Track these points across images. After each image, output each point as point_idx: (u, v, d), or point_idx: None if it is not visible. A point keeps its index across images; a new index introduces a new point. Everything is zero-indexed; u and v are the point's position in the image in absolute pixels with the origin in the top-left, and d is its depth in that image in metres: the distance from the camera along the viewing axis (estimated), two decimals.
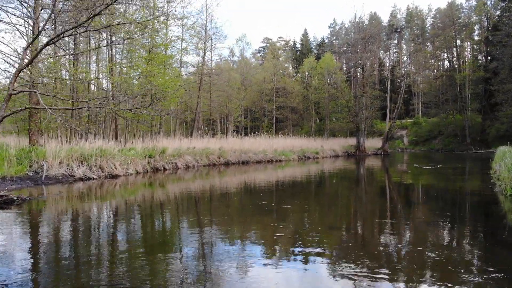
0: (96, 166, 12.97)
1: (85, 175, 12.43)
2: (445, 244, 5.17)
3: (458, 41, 55.87)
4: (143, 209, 7.96)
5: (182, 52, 26.87)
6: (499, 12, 48.63)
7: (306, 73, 52.92)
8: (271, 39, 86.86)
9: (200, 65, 30.77)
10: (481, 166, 20.86)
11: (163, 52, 23.66)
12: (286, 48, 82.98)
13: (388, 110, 40.72)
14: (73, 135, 14.93)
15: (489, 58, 46.00)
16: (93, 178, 12.51)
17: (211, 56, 33.05)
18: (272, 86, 46.05)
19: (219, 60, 41.92)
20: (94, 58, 26.61)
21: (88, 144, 13.40)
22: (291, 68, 75.36)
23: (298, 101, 48.89)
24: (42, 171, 11.85)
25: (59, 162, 12.34)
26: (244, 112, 51.03)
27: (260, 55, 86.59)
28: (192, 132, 27.99)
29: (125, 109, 13.00)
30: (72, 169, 12.42)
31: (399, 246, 5.04)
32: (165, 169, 16.30)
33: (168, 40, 24.56)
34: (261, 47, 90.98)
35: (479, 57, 58.77)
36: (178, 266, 4.24)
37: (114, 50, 22.68)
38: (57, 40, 9.30)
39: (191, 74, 29.89)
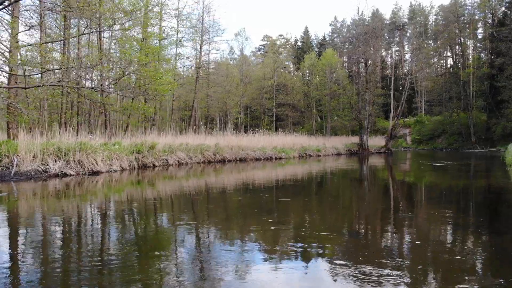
0: (74, 161, 11.63)
1: (62, 171, 11.10)
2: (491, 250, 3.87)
3: (462, 38, 54.54)
4: (117, 209, 6.64)
5: (178, 43, 25.50)
6: (504, 8, 47.35)
7: (307, 70, 51.61)
8: (271, 37, 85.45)
9: (197, 58, 29.41)
10: (493, 163, 19.66)
11: (157, 45, 22.40)
12: (287, 46, 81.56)
13: (391, 107, 39.40)
14: (51, 129, 13.57)
15: (495, 54, 44.65)
16: (70, 175, 11.18)
17: (209, 50, 31.73)
18: (272, 82, 44.69)
19: (218, 58, 40.70)
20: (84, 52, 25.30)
21: (67, 137, 12.03)
22: (291, 66, 74.06)
23: (299, 99, 47.55)
24: (13, 167, 10.54)
25: (33, 157, 11.02)
26: (244, 110, 49.75)
27: (260, 53, 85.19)
28: (185, 128, 26.67)
29: (87, 87, 11.64)
30: (47, 165, 11.09)
31: (430, 252, 3.74)
32: (154, 166, 14.96)
33: (163, 32, 23.25)
34: (261, 45, 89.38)
35: (482, 54, 57.48)
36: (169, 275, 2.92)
37: (105, 42, 21.38)
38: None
39: (187, 67, 28.53)
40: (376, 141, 40.16)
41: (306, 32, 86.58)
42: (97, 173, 11.88)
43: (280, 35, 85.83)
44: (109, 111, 18.50)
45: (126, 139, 15.66)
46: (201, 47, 29.07)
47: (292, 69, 72.33)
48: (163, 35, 22.28)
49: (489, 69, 46.04)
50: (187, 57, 27.90)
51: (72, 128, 13.40)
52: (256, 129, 28.42)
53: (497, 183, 10.98)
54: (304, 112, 50.71)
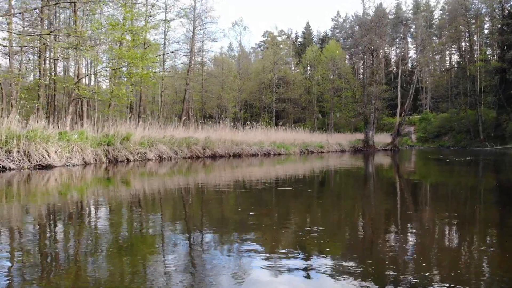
0: (19, 152, 9.22)
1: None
2: None
3: (469, 32, 52.06)
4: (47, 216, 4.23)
5: (167, 27, 23.00)
6: None
7: (309, 64, 49.14)
8: (272, 33, 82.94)
9: (187, 44, 26.90)
10: None
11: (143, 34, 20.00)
12: (288, 42, 79.06)
13: (398, 102, 37.01)
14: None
15: (505, 47, 42.15)
16: (11, 169, 8.78)
17: (203, 39, 29.30)
18: (272, 76, 42.20)
19: (218, 55, 38.17)
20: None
21: (11, 122, 9.55)
22: (292, 63, 71.60)
23: (300, 94, 45.06)
24: None
25: None
26: (243, 106, 47.40)
27: (261, 50, 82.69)
28: (174, 121, 24.17)
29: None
30: None
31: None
32: (128, 161, 12.54)
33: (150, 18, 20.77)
34: (261, 41, 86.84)
35: (489, 49, 55.11)
36: None
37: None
38: None
39: (178, 53, 25.95)
40: (382, 138, 37.86)
41: (307, 27, 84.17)
42: (48, 167, 9.47)
43: (281, 31, 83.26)
44: (82, 98, 16.04)
45: (97, 129, 13.24)
46: (193, 35, 26.59)
47: (292, 65, 69.89)
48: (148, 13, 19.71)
49: (499, 63, 43.58)
50: (176, 41, 25.28)
51: (24, 114, 10.95)
52: (255, 123, 26.05)
53: None
54: (305, 108, 48.21)
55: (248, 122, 26.46)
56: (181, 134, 16.70)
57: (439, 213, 4.76)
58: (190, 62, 25.82)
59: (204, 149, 16.67)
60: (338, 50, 43.17)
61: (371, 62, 32.26)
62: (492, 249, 3.13)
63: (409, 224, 4.15)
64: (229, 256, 2.91)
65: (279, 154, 21.53)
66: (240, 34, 55.38)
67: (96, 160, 11.46)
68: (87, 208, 4.94)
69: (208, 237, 3.49)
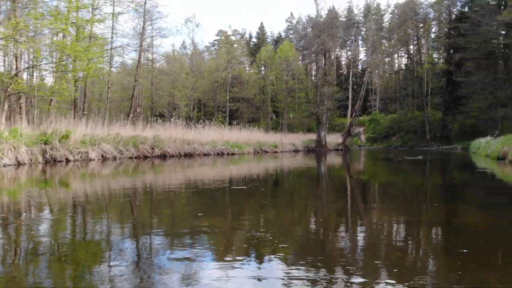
0: None
1: None
2: None
3: (418, 35, 54.43)
4: None
5: (115, 20, 21.82)
6: (459, 4, 47.81)
7: (263, 64, 49.09)
8: (226, 32, 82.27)
9: (137, 39, 25.78)
10: (464, 158, 18.25)
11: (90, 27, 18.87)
12: (242, 42, 78.77)
13: (349, 103, 37.84)
14: None
15: (452, 50, 44.43)
16: None
17: (152, 35, 28.25)
18: (226, 74, 41.68)
19: (170, 52, 37.02)
20: None
21: None
22: (246, 62, 71.43)
23: (254, 93, 44.88)
24: None
25: None
26: (197, 104, 46.51)
27: (214, 49, 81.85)
28: (120, 119, 23.03)
29: None
30: None
31: None
32: (68, 161, 11.60)
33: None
34: (215, 41, 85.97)
35: (435, 54, 57.89)
36: None
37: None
38: None
39: (127, 50, 24.82)
40: (333, 138, 38.52)
41: (261, 28, 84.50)
42: None
43: (235, 30, 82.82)
44: (19, 93, 14.75)
45: (34, 127, 12.16)
46: (143, 29, 25.54)
47: (247, 65, 69.78)
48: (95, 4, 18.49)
49: (446, 65, 45.81)
50: (124, 36, 24.12)
51: None
52: (209, 122, 25.42)
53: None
54: (259, 108, 48.11)
55: (201, 121, 25.79)
56: (128, 132, 15.82)
57: (388, 212, 4.65)
58: (139, 58, 24.74)
59: (153, 149, 15.91)
60: (292, 50, 43.44)
61: (323, 63, 32.65)
62: (436, 246, 3.16)
63: (359, 223, 4.09)
64: (177, 261, 2.53)
65: (233, 154, 21.13)
66: (193, 31, 54.10)
67: (31, 160, 10.47)
68: (15, 213, 4.26)
69: (155, 241, 3.05)
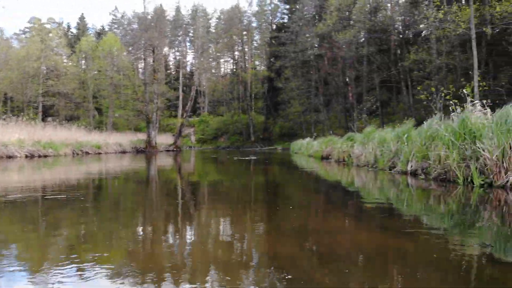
0: None
1: None
2: None
3: (242, 42, 58.05)
4: None
5: None
6: (279, 15, 52.98)
7: (84, 56, 44.62)
8: (39, 19, 72.00)
9: None
10: (289, 157, 19.92)
11: None
12: (59, 32, 70.14)
13: (180, 103, 37.58)
14: None
15: (273, 58, 48.72)
16: None
17: None
18: (39, 64, 36.20)
19: None
20: None
21: None
22: (64, 55, 64.03)
23: (74, 87, 40.28)
24: None
25: None
26: (2, 99, 39.21)
27: (26, 37, 70.78)
28: None
29: None
30: None
31: None
32: None
33: None
34: (27, 28, 74.39)
35: (258, 61, 62.90)
36: None
37: None
38: None
39: None
40: (164, 139, 37.69)
41: (82, 18, 77.28)
42: None
43: (51, 18, 73.34)
44: None
45: None
46: None
47: (65, 56, 62.56)
48: None
49: (268, 72, 49.95)
50: None
51: None
52: (15, 118, 21.40)
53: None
54: (80, 105, 43.45)
55: (5, 117, 21.58)
56: None
57: (215, 211, 4.46)
58: None
59: None
60: (117, 44, 40.63)
61: (152, 59, 31.47)
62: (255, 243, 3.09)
63: (187, 224, 3.88)
64: None
65: (46, 156, 18.23)
66: None
67: None
68: None
69: None
